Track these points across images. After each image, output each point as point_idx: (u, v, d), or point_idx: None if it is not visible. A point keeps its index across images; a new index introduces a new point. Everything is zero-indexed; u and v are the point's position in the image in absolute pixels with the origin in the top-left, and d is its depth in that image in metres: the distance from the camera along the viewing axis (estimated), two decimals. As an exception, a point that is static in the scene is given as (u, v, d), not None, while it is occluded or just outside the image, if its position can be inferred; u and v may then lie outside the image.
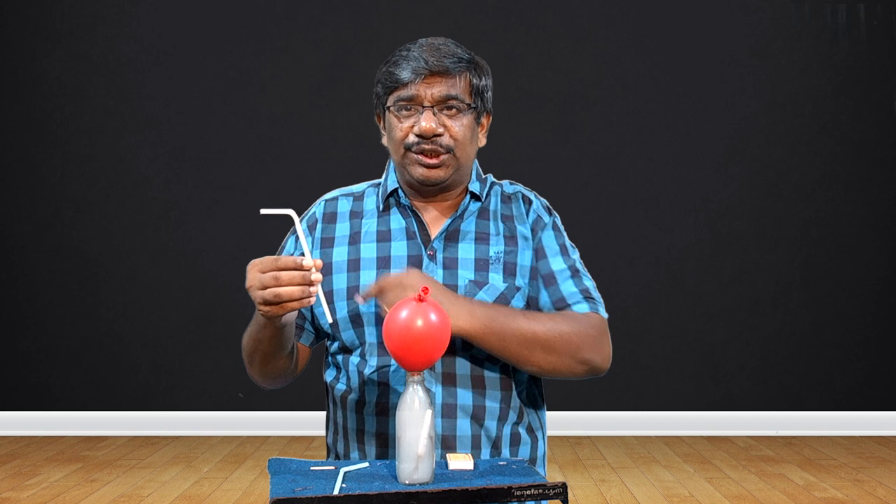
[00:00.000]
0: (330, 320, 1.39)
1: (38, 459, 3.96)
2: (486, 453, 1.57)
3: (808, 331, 4.55)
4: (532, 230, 1.65)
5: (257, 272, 1.37)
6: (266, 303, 1.36)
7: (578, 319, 1.57)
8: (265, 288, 1.35)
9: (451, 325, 1.36)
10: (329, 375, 1.67)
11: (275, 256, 1.37)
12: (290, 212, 1.39)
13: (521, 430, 1.62)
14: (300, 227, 1.41)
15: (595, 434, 4.44)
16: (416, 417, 1.28)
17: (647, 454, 4.04)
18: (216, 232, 4.55)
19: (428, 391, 1.32)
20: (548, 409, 1.74)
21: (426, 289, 1.31)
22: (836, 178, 4.57)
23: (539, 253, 1.63)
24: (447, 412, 1.55)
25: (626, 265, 4.53)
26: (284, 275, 1.34)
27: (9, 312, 4.58)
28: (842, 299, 4.56)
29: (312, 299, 1.35)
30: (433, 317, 1.31)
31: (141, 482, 3.57)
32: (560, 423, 4.30)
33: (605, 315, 1.62)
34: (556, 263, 1.62)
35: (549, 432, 3.60)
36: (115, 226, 4.56)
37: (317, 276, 1.34)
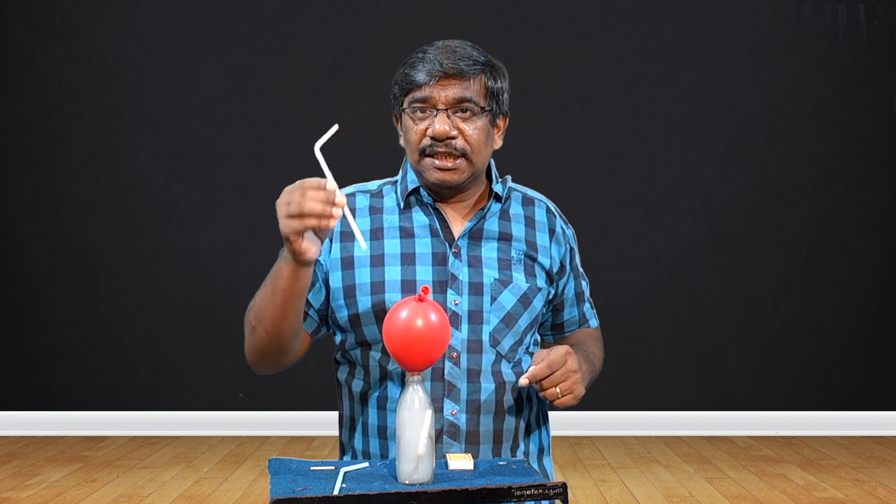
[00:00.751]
0: (364, 247, 1.46)
1: (38, 459, 3.95)
2: (507, 448, 1.60)
3: (808, 331, 4.55)
4: (560, 243, 1.73)
5: (287, 191, 1.38)
6: (289, 216, 1.36)
7: (598, 337, 1.84)
8: (291, 203, 1.36)
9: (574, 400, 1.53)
10: (343, 373, 1.67)
11: (304, 179, 1.38)
12: (318, 144, 1.40)
13: (533, 420, 1.67)
14: (323, 161, 1.41)
15: (595, 434, 4.44)
16: (416, 417, 1.28)
17: (647, 454, 4.04)
18: (216, 232, 4.55)
19: (427, 391, 1.32)
20: (548, 409, 1.77)
21: (426, 288, 1.31)
22: (836, 178, 4.57)
23: (575, 272, 1.78)
24: (472, 408, 1.57)
25: (626, 265, 4.52)
26: (311, 191, 1.35)
27: (9, 312, 4.58)
28: (842, 299, 4.56)
29: (332, 222, 1.35)
30: (433, 317, 1.31)
31: (141, 482, 3.57)
32: (560, 423, 4.29)
33: None
34: (583, 281, 1.81)
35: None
36: (115, 226, 4.56)
37: (340, 198, 1.35)
